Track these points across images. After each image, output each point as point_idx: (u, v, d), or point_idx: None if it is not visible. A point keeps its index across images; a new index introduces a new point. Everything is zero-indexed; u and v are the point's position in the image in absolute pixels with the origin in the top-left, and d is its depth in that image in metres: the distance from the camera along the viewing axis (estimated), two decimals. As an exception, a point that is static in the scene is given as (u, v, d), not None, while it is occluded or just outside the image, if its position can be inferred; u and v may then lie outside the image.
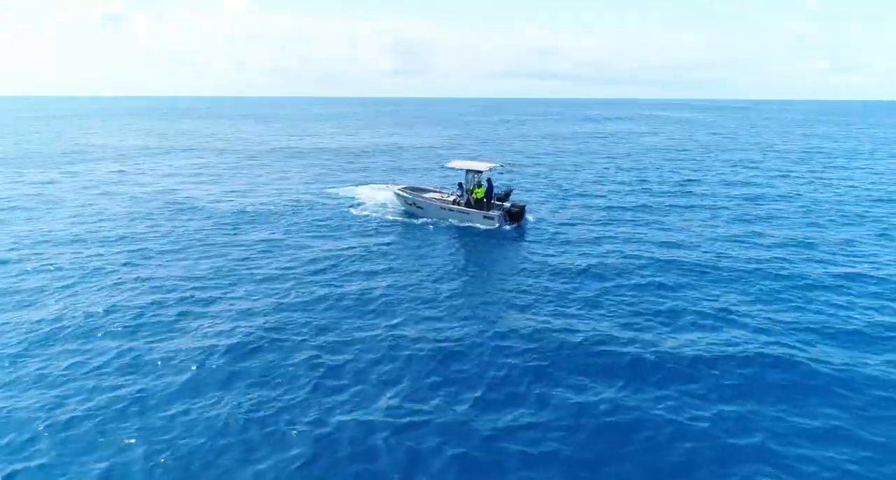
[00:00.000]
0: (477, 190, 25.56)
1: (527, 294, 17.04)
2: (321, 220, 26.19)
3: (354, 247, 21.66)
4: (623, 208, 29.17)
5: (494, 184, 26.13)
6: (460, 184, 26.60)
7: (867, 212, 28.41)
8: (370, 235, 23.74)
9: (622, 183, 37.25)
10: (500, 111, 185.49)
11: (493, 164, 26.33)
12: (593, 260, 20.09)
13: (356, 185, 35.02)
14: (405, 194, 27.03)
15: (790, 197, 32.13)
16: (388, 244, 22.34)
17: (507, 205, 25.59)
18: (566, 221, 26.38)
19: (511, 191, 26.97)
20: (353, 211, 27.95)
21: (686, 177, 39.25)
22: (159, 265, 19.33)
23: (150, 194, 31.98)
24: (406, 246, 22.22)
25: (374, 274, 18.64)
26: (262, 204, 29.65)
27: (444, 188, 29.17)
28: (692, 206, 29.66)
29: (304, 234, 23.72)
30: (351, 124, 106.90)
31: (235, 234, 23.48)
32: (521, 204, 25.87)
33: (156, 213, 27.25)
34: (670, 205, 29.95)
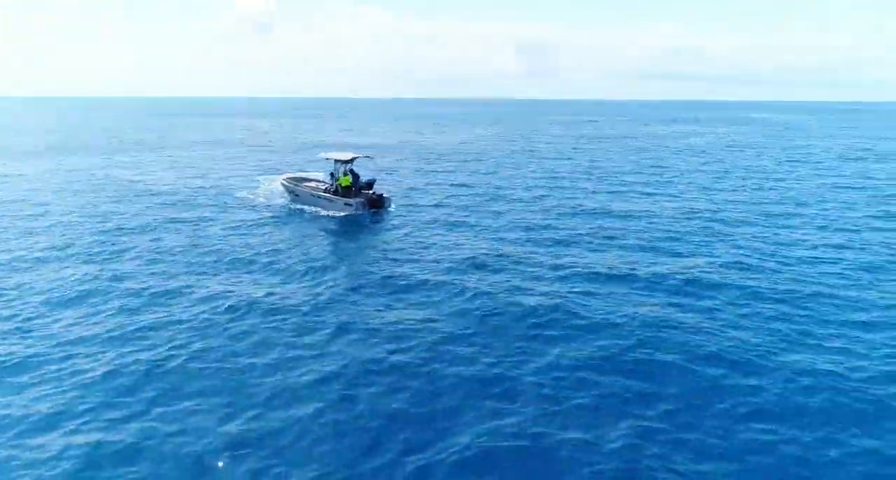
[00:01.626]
0: (342, 178, 27.50)
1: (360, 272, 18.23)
2: (201, 202, 29.18)
3: (208, 225, 24.22)
4: (493, 200, 29.96)
5: (360, 174, 28.01)
6: (332, 174, 28.60)
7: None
8: (223, 213, 26.50)
9: (533, 181, 37.01)
10: (597, 113, 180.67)
11: (358, 155, 28.13)
12: (433, 248, 21.05)
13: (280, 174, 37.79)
14: (285, 182, 29.59)
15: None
16: (238, 222, 24.92)
17: (371, 193, 27.25)
18: (427, 211, 27.58)
19: (374, 180, 28.56)
20: (237, 193, 31.03)
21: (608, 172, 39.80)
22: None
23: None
24: (258, 224, 24.64)
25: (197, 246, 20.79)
26: (179, 187, 33.38)
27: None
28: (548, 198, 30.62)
29: (170, 209, 27.26)
30: (423, 125, 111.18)
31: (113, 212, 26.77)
32: (380, 193, 27.37)
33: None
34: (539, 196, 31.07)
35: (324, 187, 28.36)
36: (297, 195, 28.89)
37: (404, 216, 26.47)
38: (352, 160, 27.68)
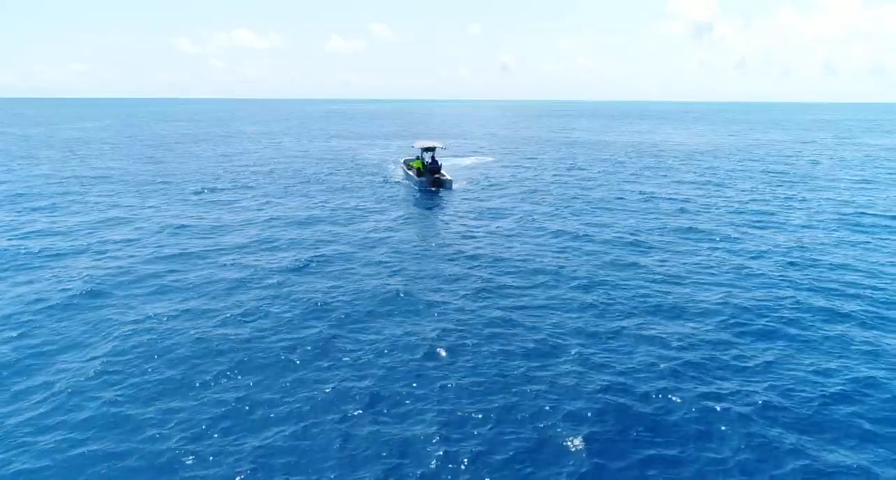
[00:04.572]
0: (414, 162, 36.07)
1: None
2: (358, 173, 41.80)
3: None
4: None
5: (438, 161, 35.69)
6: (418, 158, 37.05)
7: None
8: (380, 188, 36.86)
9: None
10: None
11: (434, 144, 35.82)
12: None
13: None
14: (403, 162, 39.33)
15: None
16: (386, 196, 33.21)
17: (435, 175, 34.89)
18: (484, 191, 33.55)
19: (439, 166, 35.27)
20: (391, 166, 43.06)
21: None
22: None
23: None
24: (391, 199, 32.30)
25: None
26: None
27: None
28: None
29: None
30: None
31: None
32: (441, 175, 34.44)
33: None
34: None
35: (414, 169, 37.01)
36: (403, 172, 38.61)
37: (461, 194, 32.92)
38: (431, 149, 35.76)
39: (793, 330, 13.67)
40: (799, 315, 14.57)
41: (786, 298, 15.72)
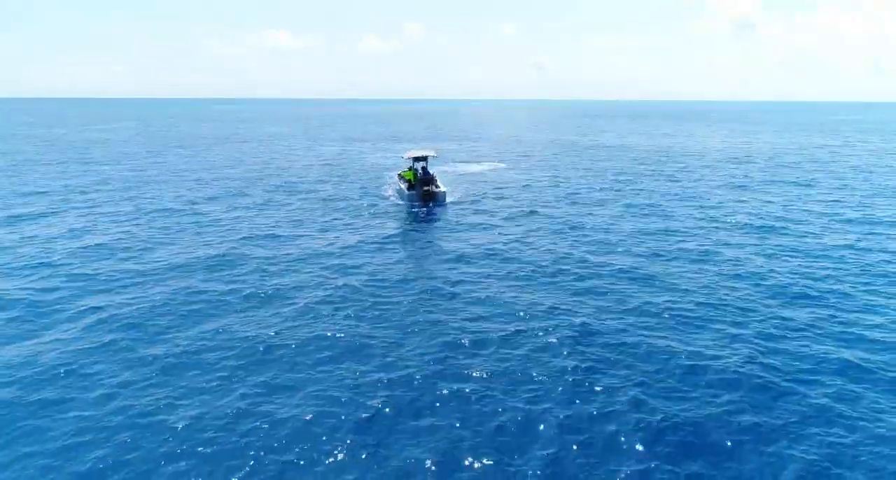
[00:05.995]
0: (405, 173, 31.26)
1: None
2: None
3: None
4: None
5: (430, 171, 30.86)
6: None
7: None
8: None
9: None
10: None
11: (425, 152, 30.98)
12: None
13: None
14: (396, 178, 34.30)
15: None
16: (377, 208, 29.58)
17: (426, 188, 29.98)
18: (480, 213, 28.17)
19: (431, 177, 30.30)
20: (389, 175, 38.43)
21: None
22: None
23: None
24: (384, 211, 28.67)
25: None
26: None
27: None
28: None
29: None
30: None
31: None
32: (432, 188, 29.48)
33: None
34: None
35: (406, 181, 32.18)
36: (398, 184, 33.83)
37: (451, 207, 28.73)
38: (422, 158, 30.94)
39: None
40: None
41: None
